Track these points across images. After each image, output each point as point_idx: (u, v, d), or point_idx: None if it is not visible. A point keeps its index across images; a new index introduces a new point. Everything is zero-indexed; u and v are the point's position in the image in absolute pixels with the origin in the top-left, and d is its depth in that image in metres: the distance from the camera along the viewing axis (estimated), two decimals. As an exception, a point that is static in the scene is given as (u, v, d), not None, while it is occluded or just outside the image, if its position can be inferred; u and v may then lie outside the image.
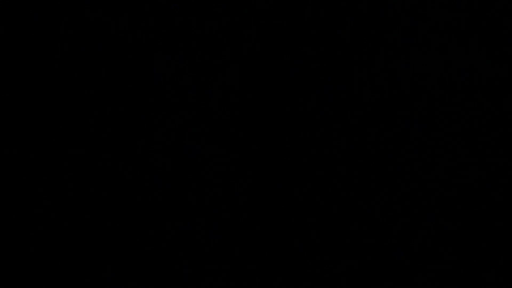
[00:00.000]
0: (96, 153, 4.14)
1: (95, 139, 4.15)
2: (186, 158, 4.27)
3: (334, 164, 4.22)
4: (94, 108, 4.18)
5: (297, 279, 4.04)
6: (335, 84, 4.32)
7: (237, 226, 4.12)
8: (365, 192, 4.11)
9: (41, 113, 4.17)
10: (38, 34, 4.23)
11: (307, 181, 4.24)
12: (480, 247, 3.88)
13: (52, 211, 4.01)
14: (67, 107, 4.17)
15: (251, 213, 4.16)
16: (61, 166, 4.09)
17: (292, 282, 4.04)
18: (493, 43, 4.15)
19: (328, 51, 4.35)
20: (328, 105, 4.33)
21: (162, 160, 4.19)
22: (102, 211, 4.04)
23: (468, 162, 4.03)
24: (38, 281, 3.92)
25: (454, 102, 4.14)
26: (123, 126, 4.20)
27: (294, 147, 4.30)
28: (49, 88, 4.19)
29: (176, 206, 4.12)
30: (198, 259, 4.03)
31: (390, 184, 4.07)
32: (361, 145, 4.23)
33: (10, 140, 4.09)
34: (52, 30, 4.24)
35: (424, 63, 4.21)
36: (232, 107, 4.36)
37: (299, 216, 4.16)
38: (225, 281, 4.02)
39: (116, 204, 4.05)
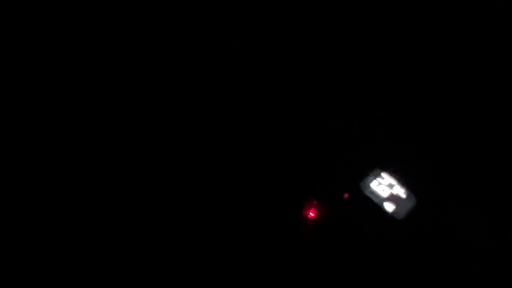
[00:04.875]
0: (96, 152, 4.07)
1: (95, 139, 4.04)
2: (186, 158, 4.16)
3: (332, 163, 4.18)
4: (94, 108, 4.13)
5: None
6: (334, 84, 4.27)
7: (236, 226, 4.00)
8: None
9: (41, 113, 4.13)
10: (38, 33, 4.14)
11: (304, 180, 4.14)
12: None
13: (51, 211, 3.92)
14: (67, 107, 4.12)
15: (249, 212, 4.05)
16: (61, 166, 4.02)
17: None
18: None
19: (327, 52, 4.30)
20: (327, 105, 4.29)
21: (162, 160, 4.11)
22: (102, 211, 3.95)
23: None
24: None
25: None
26: (123, 126, 4.16)
27: (292, 147, 4.20)
28: (49, 87, 4.16)
29: (175, 205, 4.02)
30: (198, 259, 3.91)
31: None
32: (360, 144, 4.19)
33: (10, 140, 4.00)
34: (52, 30, 4.16)
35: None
36: (231, 107, 4.25)
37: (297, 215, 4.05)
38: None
39: (116, 204, 3.96)
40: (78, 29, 4.16)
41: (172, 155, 4.12)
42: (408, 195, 3.99)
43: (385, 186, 4.03)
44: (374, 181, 4.05)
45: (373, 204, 4.00)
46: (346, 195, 3.99)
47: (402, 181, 4.02)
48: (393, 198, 4.01)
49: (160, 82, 4.20)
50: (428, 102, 4.19)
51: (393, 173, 4.04)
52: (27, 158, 4.00)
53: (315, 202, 3.97)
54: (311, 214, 3.99)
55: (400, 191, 4.01)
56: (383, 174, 4.03)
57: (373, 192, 4.00)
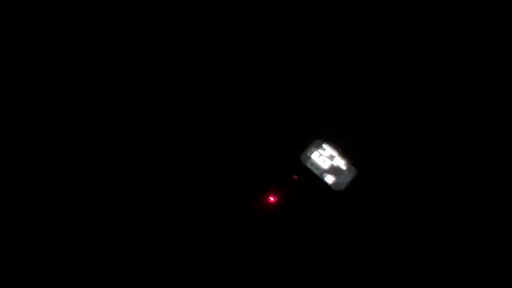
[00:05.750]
0: (96, 152, 4.11)
1: (95, 139, 4.12)
2: (185, 158, 4.15)
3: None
4: (94, 108, 4.15)
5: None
6: (334, 84, 4.21)
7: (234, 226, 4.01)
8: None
9: (42, 113, 4.13)
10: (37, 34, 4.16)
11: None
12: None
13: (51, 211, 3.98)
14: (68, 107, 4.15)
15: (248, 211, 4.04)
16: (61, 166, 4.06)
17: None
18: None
19: (327, 52, 4.26)
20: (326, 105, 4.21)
21: (162, 160, 4.13)
22: (102, 210, 4.02)
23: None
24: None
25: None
26: (123, 126, 4.16)
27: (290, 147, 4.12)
28: (49, 87, 4.16)
29: (175, 205, 4.06)
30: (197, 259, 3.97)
31: None
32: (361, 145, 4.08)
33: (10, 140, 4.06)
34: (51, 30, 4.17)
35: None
36: (230, 106, 4.23)
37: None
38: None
39: (116, 204, 4.04)
40: (78, 29, 4.17)
41: (172, 155, 4.14)
42: (348, 167, 3.80)
43: (326, 158, 3.85)
44: (315, 152, 3.87)
45: (314, 176, 3.82)
46: (295, 177, 3.83)
47: (343, 153, 3.82)
48: (333, 169, 3.82)
49: (160, 82, 4.20)
50: (428, 102, 4.12)
51: (335, 144, 3.84)
52: (27, 158, 4.03)
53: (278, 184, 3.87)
54: (271, 199, 3.91)
55: (341, 163, 3.82)
56: (324, 146, 3.84)
57: (313, 164, 3.83)
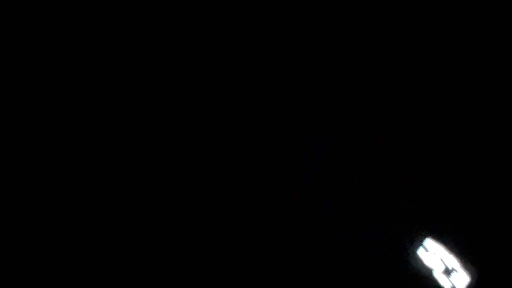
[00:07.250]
0: (96, 153, 4.07)
1: (95, 139, 4.08)
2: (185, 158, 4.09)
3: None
4: (94, 108, 4.10)
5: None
6: (334, 84, 4.15)
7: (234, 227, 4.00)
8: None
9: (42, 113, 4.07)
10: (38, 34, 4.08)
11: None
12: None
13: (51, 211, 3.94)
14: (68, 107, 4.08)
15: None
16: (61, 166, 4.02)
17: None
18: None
19: (327, 52, 4.19)
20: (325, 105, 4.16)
21: (161, 160, 4.09)
22: (102, 211, 3.98)
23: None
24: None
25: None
26: (123, 126, 4.11)
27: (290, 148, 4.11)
28: (49, 87, 4.09)
29: (175, 205, 4.02)
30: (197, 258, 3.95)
31: None
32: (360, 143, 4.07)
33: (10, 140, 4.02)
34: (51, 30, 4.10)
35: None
36: (230, 106, 4.18)
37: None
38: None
39: (116, 204, 3.99)
40: (78, 29, 4.13)
41: (172, 155, 4.10)
42: (465, 268, 3.55)
43: (435, 255, 3.54)
44: (421, 249, 3.53)
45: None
46: None
47: (457, 252, 3.54)
48: (446, 270, 3.55)
49: (160, 82, 4.15)
50: (428, 102, 4.08)
51: (444, 240, 3.54)
52: (27, 158, 4.02)
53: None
54: None
55: (454, 262, 3.55)
56: (430, 240, 3.54)
57: (421, 263, 3.51)
